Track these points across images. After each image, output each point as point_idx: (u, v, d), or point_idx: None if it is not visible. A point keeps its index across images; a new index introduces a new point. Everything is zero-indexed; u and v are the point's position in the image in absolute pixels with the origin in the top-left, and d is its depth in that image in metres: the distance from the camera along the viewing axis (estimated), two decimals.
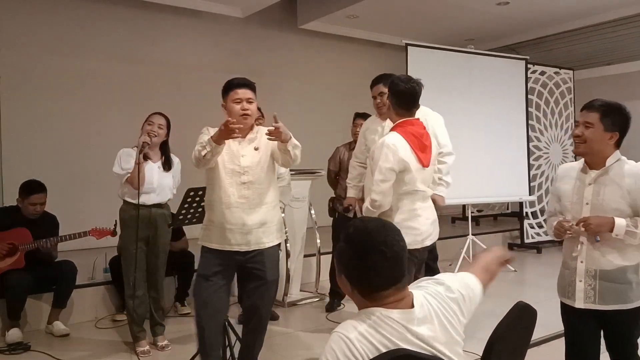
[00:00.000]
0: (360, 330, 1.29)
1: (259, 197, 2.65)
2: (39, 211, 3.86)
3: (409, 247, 1.56)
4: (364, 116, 4.18)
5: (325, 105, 7.58)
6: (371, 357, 1.26)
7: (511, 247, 7.05)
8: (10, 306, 3.62)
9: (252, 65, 7.20)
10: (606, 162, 2.18)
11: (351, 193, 3.90)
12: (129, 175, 3.33)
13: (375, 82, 3.70)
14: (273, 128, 2.46)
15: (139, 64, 6.36)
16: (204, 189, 2.93)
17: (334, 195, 4.45)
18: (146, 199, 3.40)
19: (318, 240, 4.72)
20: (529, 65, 6.84)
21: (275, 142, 2.58)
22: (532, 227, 7.06)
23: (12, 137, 5.56)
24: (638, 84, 8.28)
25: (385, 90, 3.55)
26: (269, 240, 2.70)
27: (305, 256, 4.82)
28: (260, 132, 2.69)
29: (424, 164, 2.79)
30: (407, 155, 2.71)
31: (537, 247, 6.93)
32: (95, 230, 3.70)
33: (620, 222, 2.11)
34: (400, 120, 2.80)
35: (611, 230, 2.10)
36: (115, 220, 3.57)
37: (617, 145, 2.19)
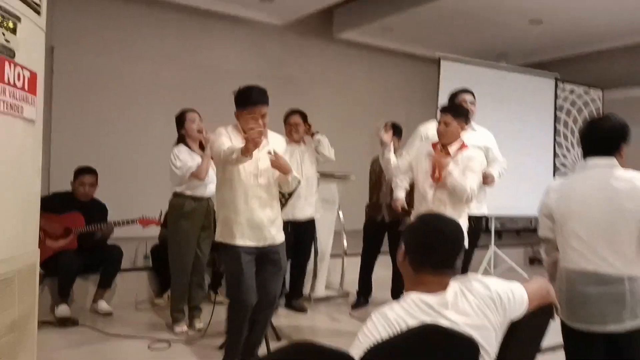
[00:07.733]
0: (397, 311, 1.51)
1: (269, 196, 2.89)
2: (87, 192, 4.13)
3: None
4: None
5: (356, 113, 7.79)
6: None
7: (532, 261, 7.13)
8: (61, 284, 3.93)
9: (288, 72, 7.45)
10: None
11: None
12: (192, 170, 3.58)
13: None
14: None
15: (183, 68, 6.65)
16: None
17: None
18: (206, 191, 3.69)
19: (345, 242, 4.93)
20: (558, 83, 6.94)
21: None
22: None
23: (63, 130, 5.89)
24: None
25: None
26: (280, 235, 2.96)
27: (331, 256, 5.04)
28: (270, 137, 2.92)
29: None
30: None
31: None
32: (143, 219, 4.00)
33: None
34: None
35: None
36: (161, 211, 3.85)
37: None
